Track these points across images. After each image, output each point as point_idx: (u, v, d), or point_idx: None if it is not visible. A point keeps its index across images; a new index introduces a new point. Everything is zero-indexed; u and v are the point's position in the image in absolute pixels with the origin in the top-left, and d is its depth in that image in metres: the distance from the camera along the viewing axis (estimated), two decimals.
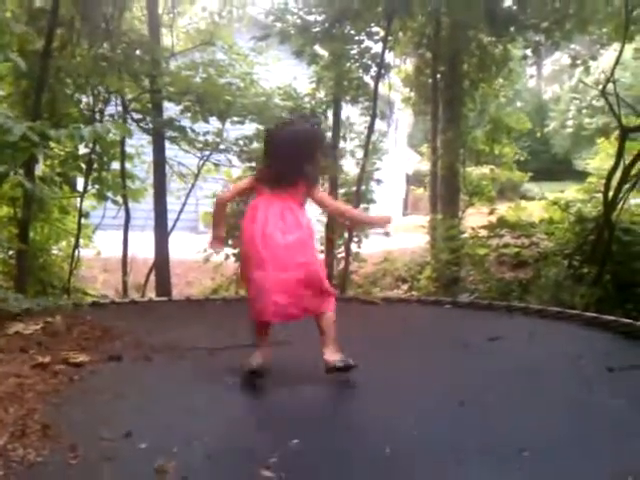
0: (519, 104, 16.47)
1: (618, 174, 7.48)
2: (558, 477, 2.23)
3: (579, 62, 8.22)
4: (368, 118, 7.95)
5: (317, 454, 2.40)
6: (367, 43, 7.57)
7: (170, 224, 7.41)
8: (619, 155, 7.39)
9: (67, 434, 2.47)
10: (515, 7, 7.10)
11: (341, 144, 8.33)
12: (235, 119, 7.16)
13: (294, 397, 3.04)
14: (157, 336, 4.03)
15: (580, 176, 15.17)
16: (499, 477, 2.22)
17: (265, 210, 3.20)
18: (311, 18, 7.24)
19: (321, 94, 8.20)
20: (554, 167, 25.22)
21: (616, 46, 9.12)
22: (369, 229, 3.36)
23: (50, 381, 3.11)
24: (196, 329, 4.42)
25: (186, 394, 3.04)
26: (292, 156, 3.21)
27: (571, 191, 10.56)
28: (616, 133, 9.26)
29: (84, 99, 6.94)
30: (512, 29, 7.37)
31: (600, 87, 8.18)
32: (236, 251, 8.56)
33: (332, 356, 3.15)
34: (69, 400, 2.90)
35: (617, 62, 7.50)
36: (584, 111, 24.47)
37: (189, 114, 6.90)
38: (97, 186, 6.64)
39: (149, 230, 7.32)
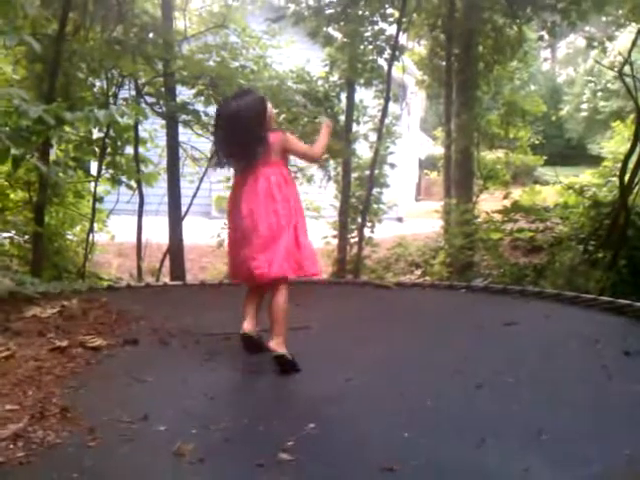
0: (533, 87, 16.27)
1: (634, 158, 7.40)
2: (575, 460, 2.23)
3: (595, 44, 8.10)
4: (381, 101, 7.90)
5: (334, 437, 2.40)
6: (381, 25, 7.50)
7: (183, 209, 7.41)
8: (636, 138, 7.31)
9: (85, 417, 2.50)
10: None
11: (354, 127, 8.29)
12: None
13: (311, 381, 3.04)
14: (173, 321, 4.04)
15: (594, 161, 15.05)
16: (517, 459, 2.21)
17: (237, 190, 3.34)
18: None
19: (334, 77, 8.16)
20: (568, 152, 24.99)
21: (631, 28, 9.00)
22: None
23: (68, 365, 3.14)
24: (211, 314, 4.42)
25: (202, 378, 3.05)
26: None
27: (586, 175, 10.47)
28: (632, 116, 9.17)
29: (97, 83, 6.93)
30: (528, 9, 7.27)
31: (616, 69, 8.07)
32: None
33: (278, 347, 3.11)
34: (87, 384, 2.92)
35: (634, 43, 7.40)
36: (599, 94, 24.18)
37: (202, 98, 6.87)
38: (111, 170, 6.64)
39: (163, 215, 7.32)
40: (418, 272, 8.98)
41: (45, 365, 3.07)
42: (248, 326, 3.33)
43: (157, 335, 3.72)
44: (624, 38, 12.32)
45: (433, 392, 2.90)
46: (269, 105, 3.39)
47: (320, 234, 8.91)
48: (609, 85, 22.70)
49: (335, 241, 8.47)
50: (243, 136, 3.22)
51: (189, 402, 2.72)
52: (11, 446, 2.22)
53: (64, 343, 3.38)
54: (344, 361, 3.28)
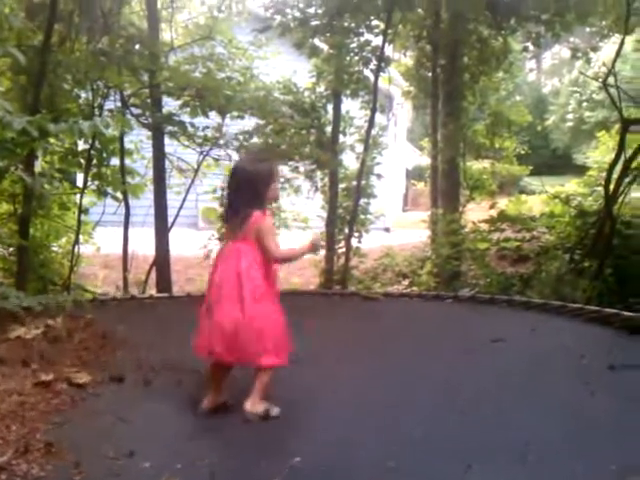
0: (518, 98, 16.40)
1: (619, 167, 7.46)
2: (561, 477, 2.22)
3: (580, 54, 8.18)
4: (368, 112, 7.92)
5: (319, 470, 2.38)
6: (367, 36, 7.53)
7: (170, 220, 7.38)
8: (620, 148, 7.37)
9: (70, 452, 2.46)
10: None
11: (341, 138, 8.30)
12: (235, 114, 7.12)
13: (296, 415, 3.00)
14: (157, 352, 3.92)
15: (580, 170, 15.14)
16: (505, 477, 2.21)
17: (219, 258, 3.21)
18: (311, 10, 7.20)
19: (321, 88, 8.17)
20: (553, 161, 25.19)
21: (615, 39, 9.10)
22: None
23: (52, 401, 3.08)
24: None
25: (187, 417, 2.98)
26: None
27: (572, 185, 10.54)
28: (617, 126, 9.25)
29: (83, 94, 6.90)
30: (513, 21, 7.33)
31: (601, 80, 8.15)
32: None
33: (251, 407, 2.93)
34: (72, 420, 2.87)
35: (618, 54, 7.48)
36: (584, 104, 24.41)
37: (188, 109, 6.86)
38: (97, 182, 6.61)
39: (149, 226, 7.29)
40: (405, 282, 8.99)
41: (29, 400, 3.02)
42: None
43: (141, 371, 3.62)
44: (608, 49, 12.46)
45: (418, 415, 2.88)
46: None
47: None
48: (594, 95, 22.94)
49: (322, 252, 8.46)
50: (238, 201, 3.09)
51: (174, 440, 2.70)
52: None
53: (49, 377, 3.31)
54: (337, 379, 3.23)
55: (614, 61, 7.54)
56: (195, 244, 8.63)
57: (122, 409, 3.06)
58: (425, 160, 12.41)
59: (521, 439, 2.52)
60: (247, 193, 3.05)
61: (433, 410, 2.91)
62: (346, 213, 8.18)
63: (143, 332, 4.35)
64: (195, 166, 7.79)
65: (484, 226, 8.62)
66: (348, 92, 7.82)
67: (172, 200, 7.49)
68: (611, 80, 7.64)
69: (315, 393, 3.21)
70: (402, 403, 3.01)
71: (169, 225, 7.32)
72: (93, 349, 3.87)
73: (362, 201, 8.24)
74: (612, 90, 7.65)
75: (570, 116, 25.78)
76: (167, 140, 7.31)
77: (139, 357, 3.84)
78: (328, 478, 2.32)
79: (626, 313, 4.69)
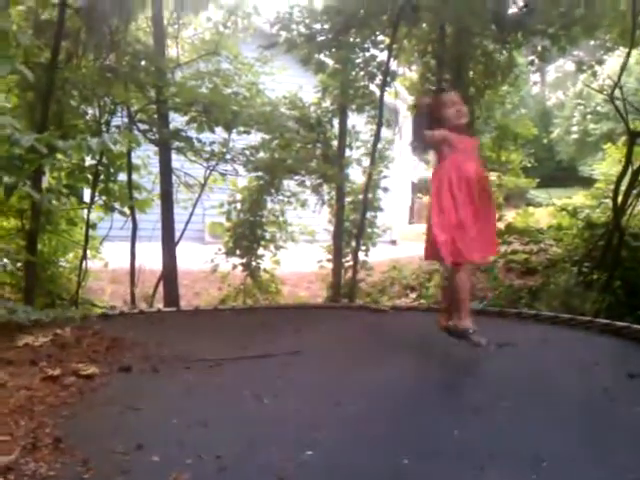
0: (523, 111, 16.42)
1: (626, 179, 7.44)
2: None
3: (585, 67, 8.18)
4: (374, 126, 7.93)
5: (331, 464, 2.36)
6: (372, 51, 7.55)
7: (177, 235, 7.39)
8: (628, 160, 7.35)
9: (79, 447, 2.44)
10: (522, 11, 7.06)
11: (347, 152, 8.32)
12: (241, 129, 7.15)
13: (306, 407, 3.00)
14: (166, 348, 4.00)
15: (586, 182, 15.13)
16: None
17: None
18: (317, 26, 7.24)
19: (327, 103, 8.20)
20: (559, 174, 25.13)
21: (620, 52, 9.10)
22: None
23: (60, 394, 3.09)
24: (205, 340, 4.39)
25: (196, 406, 3.01)
26: None
27: (579, 197, 10.51)
28: (623, 138, 9.24)
29: (90, 111, 6.95)
30: (519, 35, 7.34)
31: (606, 92, 8.15)
32: (244, 261, 8.58)
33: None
34: (80, 413, 2.87)
35: (624, 67, 7.48)
36: (589, 117, 24.41)
37: (195, 124, 6.89)
38: (104, 197, 6.64)
39: (156, 241, 7.30)
40: (413, 295, 8.96)
41: (37, 394, 3.03)
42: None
43: (150, 362, 3.69)
44: (612, 62, 12.47)
45: (431, 418, 2.87)
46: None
47: (314, 258, 8.90)
48: (599, 108, 22.94)
49: (330, 265, 8.45)
50: None
51: (182, 431, 2.68)
52: (1, 479, 2.18)
53: (56, 372, 3.34)
54: (342, 386, 3.24)
55: (620, 74, 7.54)
56: (202, 258, 8.65)
57: (130, 398, 3.07)
58: (431, 173, 12.39)
59: (535, 444, 2.49)
60: None
61: (445, 414, 2.89)
62: (353, 226, 8.18)
63: (152, 337, 4.37)
64: (202, 181, 7.81)
65: None
66: (354, 107, 7.84)
67: (179, 215, 7.51)
68: (617, 93, 7.64)
69: (329, 393, 3.20)
70: (415, 407, 2.99)
71: (176, 239, 7.34)
72: (101, 351, 3.89)
73: (369, 214, 8.24)
74: (618, 103, 7.64)
75: (575, 128, 25.78)
76: (174, 155, 7.34)
77: (148, 353, 3.87)
78: (339, 473, 2.30)
79: (636, 326, 4.66)
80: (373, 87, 7.78)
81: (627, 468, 2.30)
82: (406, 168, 18.72)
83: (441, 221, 3.60)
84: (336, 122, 8.14)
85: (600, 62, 8.50)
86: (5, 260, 6.54)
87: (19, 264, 6.54)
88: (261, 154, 7.73)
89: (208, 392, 3.23)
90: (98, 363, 3.60)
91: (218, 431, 2.69)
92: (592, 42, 8.92)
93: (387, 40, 7.52)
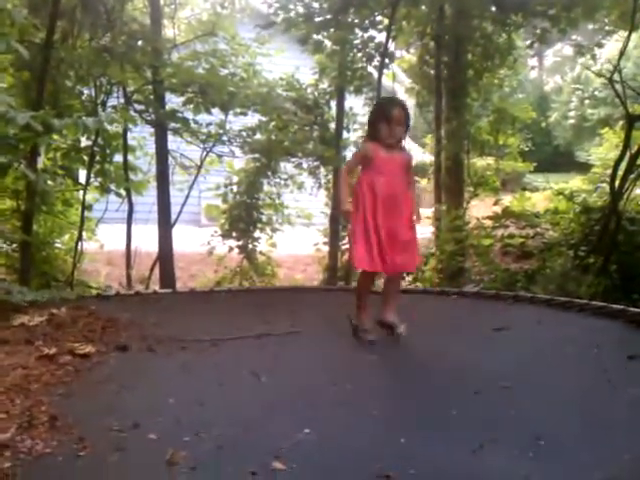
0: (521, 95, 16.35)
1: (624, 164, 7.42)
2: (576, 465, 2.19)
3: (584, 51, 8.15)
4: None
5: (329, 443, 2.36)
6: (371, 32, 7.50)
7: (173, 217, 7.36)
8: (626, 144, 7.33)
9: (75, 425, 2.43)
10: None
11: (344, 135, 8.28)
12: (238, 110, 7.10)
13: (303, 386, 3.00)
14: (162, 328, 3.99)
15: (582, 167, 15.11)
16: (516, 465, 2.18)
17: None
18: (315, 5, 7.18)
19: (324, 84, 8.16)
20: (556, 159, 25.07)
21: (618, 36, 9.06)
22: None
23: (56, 372, 3.07)
24: (201, 321, 4.38)
25: (192, 385, 3.01)
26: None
27: (575, 181, 10.51)
28: (622, 123, 9.22)
29: (86, 91, 6.89)
30: (519, 16, 7.30)
31: (606, 76, 8.11)
32: (240, 243, 8.56)
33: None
34: (76, 391, 2.86)
35: (624, 49, 7.44)
36: (586, 102, 24.34)
37: (192, 105, 6.84)
38: (100, 179, 6.59)
39: (152, 223, 7.28)
40: (409, 278, 8.96)
41: (33, 373, 3.01)
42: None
43: (146, 342, 3.67)
44: (610, 46, 12.42)
45: (429, 398, 2.87)
46: None
47: (311, 241, 8.89)
48: (596, 93, 22.87)
49: (326, 248, 8.44)
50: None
51: (179, 409, 2.67)
52: None
53: (52, 351, 3.32)
54: (338, 366, 3.24)
55: (619, 57, 7.50)
56: (198, 241, 8.63)
57: (127, 377, 3.08)
58: (428, 157, 12.37)
59: (533, 425, 2.49)
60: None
61: (443, 395, 2.89)
62: None
63: (148, 317, 4.36)
64: (198, 162, 7.78)
65: (488, 222, 8.58)
66: (352, 88, 7.80)
67: (175, 197, 7.48)
68: (616, 76, 7.60)
69: (326, 373, 3.21)
70: (413, 389, 2.99)
71: (172, 222, 7.31)
72: (97, 330, 3.87)
73: None
74: (617, 86, 7.60)
75: (572, 113, 25.69)
76: (170, 137, 7.30)
77: (144, 333, 3.87)
78: (336, 451, 2.29)
79: (633, 309, 4.66)
80: (371, 69, 7.74)
81: (624, 448, 2.30)
82: None
83: (357, 231, 3.67)
84: (333, 104, 8.10)
85: (600, 45, 8.47)
86: (0, 241, 6.51)
87: (14, 245, 6.52)
88: (258, 136, 7.70)
89: (204, 372, 3.22)
90: (94, 342, 3.59)
91: (215, 410, 2.69)
92: (591, 26, 8.87)
93: (386, 21, 7.47)
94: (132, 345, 3.59)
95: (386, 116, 3.59)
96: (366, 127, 3.86)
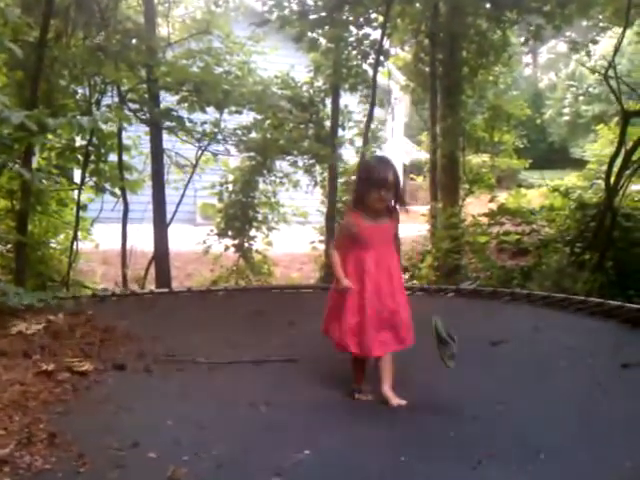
0: (515, 92, 16.38)
1: (619, 160, 7.43)
2: (576, 477, 2.19)
3: (579, 47, 8.16)
4: (367, 106, 7.88)
5: (329, 463, 2.34)
6: (365, 30, 7.49)
7: (168, 216, 7.33)
8: (621, 140, 7.34)
9: (74, 443, 2.41)
10: None
11: (340, 132, 8.27)
12: (233, 109, 7.08)
13: (303, 410, 2.95)
14: (159, 343, 3.92)
15: (577, 164, 15.14)
16: (514, 475, 2.17)
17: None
18: (310, 3, 7.17)
19: (319, 82, 8.14)
20: (551, 155, 25.15)
21: (612, 32, 9.08)
22: None
23: (54, 390, 3.04)
24: (198, 335, 4.23)
25: (190, 408, 2.95)
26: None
27: (571, 178, 10.53)
28: (617, 119, 9.23)
29: (80, 90, 6.86)
30: (513, 12, 7.30)
31: (600, 72, 8.12)
32: (236, 242, 8.54)
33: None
34: (74, 410, 2.83)
35: (619, 45, 7.45)
36: (581, 98, 24.40)
37: (186, 104, 6.82)
38: (95, 178, 6.56)
39: (147, 222, 7.25)
40: (406, 276, 8.96)
41: (31, 390, 2.98)
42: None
43: (143, 361, 3.61)
44: (605, 43, 12.44)
45: (426, 413, 2.85)
46: None
47: (307, 239, 8.88)
48: (591, 89, 22.92)
49: (322, 246, 8.43)
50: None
51: (178, 430, 2.64)
52: None
53: (50, 367, 3.28)
54: (332, 391, 3.17)
55: (614, 53, 7.51)
56: (193, 240, 8.61)
57: (125, 397, 3.04)
58: (423, 154, 12.38)
59: (532, 438, 2.48)
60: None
61: (439, 412, 2.88)
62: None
63: (145, 326, 4.31)
64: (193, 161, 7.75)
65: (484, 220, 8.60)
66: (347, 86, 7.78)
67: (170, 196, 7.45)
68: (610, 73, 7.61)
69: (324, 384, 3.19)
70: (411, 409, 2.95)
71: (168, 221, 7.28)
72: (95, 343, 3.84)
73: None
74: (612, 82, 7.61)
75: (567, 110, 25.77)
76: (165, 136, 7.27)
77: (141, 349, 3.82)
78: (336, 471, 2.28)
79: (629, 305, 4.68)
80: (366, 66, 7.73)
81: (624, 458, 2.30)
82: (398, 149, 18.70)
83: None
84: (329, 102, 8.09)
85: (594, 42, 8.48)
86: None
87: (9, 245, 6.49)
88: (253, 134, 7.68)
89: (202, 395, 3.15)
90: (92, 358, 3.53)
91: (213, 432, 2.66)
92: (585, 22, 8.88)
93: (380, 18, 7.46)
94: (130, 364, 3.53)
95: (378, 182, 3.15)
96: (351, 190, 3.47)
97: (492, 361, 3.72)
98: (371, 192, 3.16)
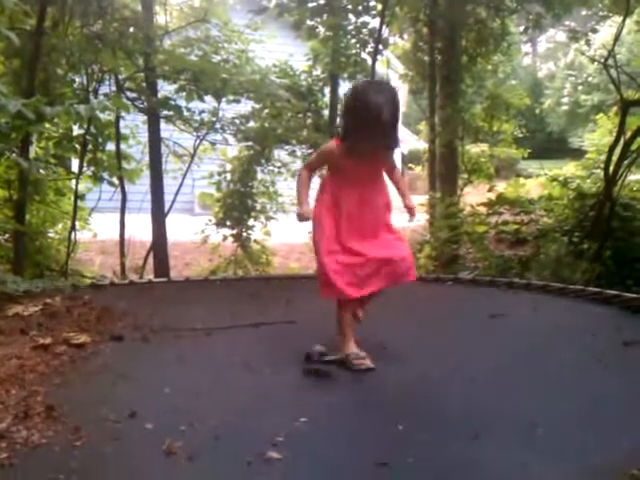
0: (514, 82, 16.34)
1: (618, 149, 7.42)
2: (574, 452, 2.19)
3: (579, 36, 8.13)
4: None
5: (325, 432, 2.35)
6: (364, 18, 7.45)
7: (167, 205, 7.32)
8: (620, 130, 7.33)
9: (71, 415, 2.42)
10: None
11: (338, 122, 8.24)
12: (231, 97, 7.06)
13: (299, 375, 2.98)
14: (157, 317, 3.97)
15: (576, 154, 15.10)
16: (514, 453, 2.17)
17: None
18: None
19: (317, 71, 8.11)
20: (549, 145, 25.12)
21: (612, 21, 9.04)
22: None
23: (51, 362, 3.05)
24: (196, 310, 4.36)
25: (188, 375, 2.99)
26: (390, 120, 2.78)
27: (569, 167, 10.51)
28: (615, 108, 9.21)
29: (77, 79, 6.83)
30: (513, 0, 7.27)
31: (600, 61, 8.10)
32: (234, 232, 8.53)
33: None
34: (71, 381, 2.84)
35: (619, 34, 7.42)
36: (580, 88, 24.35)
37: (184, 93, 6.80)
38: (92, 167, 6.55)
39: (145, 212, 7.24)
40: None
41: (28, 363, 2.99)
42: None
43: (140, 331, 3.66)
44: (604, 32, 12.40)
45: (426, 386, 2.86)
46: None
47: (305, 229, 8.86)
48: (590, 79, 22.87)
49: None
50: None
51: (175, 399, 2.65)
52: None
53: (47, 340, 3.31)
54: (333, 336, 3.20)
55: (614, 42, 7.48)
56: (192, 229, 8.60)
57: (122, 366, 3.05)
58: (422, 144, 12.34)
59: (530, 413, 2.49)
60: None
61: (439, 384, 2.89)
62: None
63: (142, 307, 4.34)
64: (191, 151, 7.73)
65: (482, 209, 8.58)
66: (345, 75, 7.74)
67: (168, 185, 7.44)
68: (610, 62, 7.59)
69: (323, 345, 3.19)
70: (409, 378, 2.97)
71: (166, 210, 7.28)
72: (92, 320, 3.86)
73: None
74: (611, 71, 7.59)
75: (566, 99, 25.72)
76: (163, 125, 7.25)
77: (139, 322, 3.85)
78: (334, 438, 2.29)
79: (627, 294, 4.67)
80: (365, 55, 7.69)
81: (623, 433, 2.30)
82: None
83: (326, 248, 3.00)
84: (327, 91, 8.05)
85: (594, 31, 8.45)
86: None
87: (7, 235, 6.48)
88: (251, 123, 7.65)
89: (199, 361, 3.21)
90: (89, 332, 3.57)
91: (211, 400, 2.67)
92: (585, 11, 8.85)
93: (379, 6, 7.42)
94: (127, 335, 3.57)
95: (369, 120, 2.72)
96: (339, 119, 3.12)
97: (490, 336, 3.74)
98: (360, 130, 2.77)
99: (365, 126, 2.75)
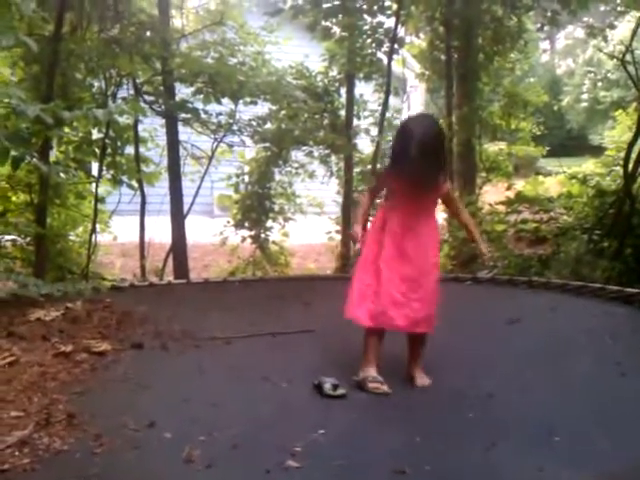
0: (532, 79, 16.21)
1: (637, 146, 7.34)
2: (591, 458, 2.18)
3: (596, 32, 8.05)
4: (382, 95, 7.85)
5: (343, 442, 2.36)
6: (379, 18, 7.45)
7: (185, 208, 7.36)
8: (639, 126, 7.25)
9: (91, 423, 2.46)
10: None
11: (355, 122, 8.25)
12: (248, 99, 7.08)
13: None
14: (176, 323, 4.00)
15: (596, 151, 14.96)
16: (530, 459, 2.17)
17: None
18: None
19: (334, 72, 8.11)
20: (569, 142, 24.85)
21: (630, 17, 8.94)
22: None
23: (73, 370, 3.10)
24: (214, 315, 4.36)
25: (207, 385, 3.01)
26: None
27: (589, 165, 10.42)
28: (635, 104, 9.12)
29: (96, 83, 6.90)
30: None
31: (618, 58, 8.02)
32: (252, 233, 8.55)
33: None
34: (92, 389, 2.88)
35: (636, 30, 7.34)
36: (599, 84, 24.08)
37: (201, 95, 6.83)
38: (112, 171, 6.61)
39: (165, 214, 7.29)
40: None
41: (50, 371, 3.04)
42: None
43: (160, 340, 3.67)
44: (622, 28, 12.27)
45: (443, 393, 2.86)
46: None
47: (323, 230, 8.88)
48: (609, 75, 22.61)
49: (338, 237, 8.43)
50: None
51: (194, 409, 2.68)
52: (16, 453, 2.19)
53: (69, 348, 3.34)
54: (348, 365, 3.19)
55: (632, 38, 7.41)
56: (211, 231, 8.64)
57: (142, 375, 3.09)
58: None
59: (548, 418, 2.48)
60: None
61: (457, 389, 2.89)
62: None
63: (162, 310, 4.38)
64: (209, 153, 7.77)
65: (501, 208, 8.53)
66: (361, 75, 7.75)
67: (187, 188, 7.48)
68: (628, 58, 7.51)
69: (342, 368, 3.19)
70: (427, 388, 2.96)
71: (185, 212, 7.32)
72: (112, 325, 3.89)
73: None
74: (630, 68, 7.51)
75: (585, 96, 25.44)
76: (181, 127, 7.30)
77: (158, 329, 3.88)
78: (352, 450, 2.29)
79: None
80: (380, 55, 7.69)
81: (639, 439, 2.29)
82: None
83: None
84: (343, 91, 8.06)
85: (611, 27, 8.36)
86: (15, 234, 6.54)
87: (29, 238, 6.55)
88: (268, 125, 7.68)
89: (218, 372, 3.22)
90: (109, 339, 3.60)
91: (229, 410, 2.68)
92: (602, 7, 8.77)
93: (394, 6, 7.41)
94: (147, 343, 3.59)
95: (408, 150, 2.87)
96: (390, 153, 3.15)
97: (508, 340, 3.71)
98: (402, 155, 2.91)
99: (406, 152, 2.90)
